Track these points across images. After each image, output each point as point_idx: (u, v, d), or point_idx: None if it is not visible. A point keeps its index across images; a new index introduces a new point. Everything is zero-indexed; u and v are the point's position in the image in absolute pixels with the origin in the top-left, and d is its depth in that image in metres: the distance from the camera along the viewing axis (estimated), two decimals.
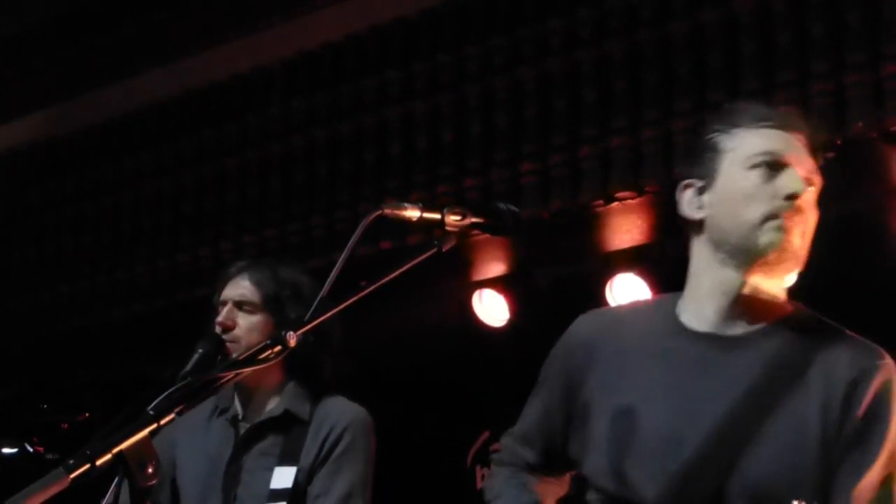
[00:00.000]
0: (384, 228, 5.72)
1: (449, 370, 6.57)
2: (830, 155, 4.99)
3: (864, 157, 5.11)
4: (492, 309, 6.31)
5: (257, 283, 3.95)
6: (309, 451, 3.83)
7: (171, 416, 2.23)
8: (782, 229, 2.65)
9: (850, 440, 2.55)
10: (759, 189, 2.67)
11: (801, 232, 2.67)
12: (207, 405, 3.97)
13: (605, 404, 2.75)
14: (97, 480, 2.16)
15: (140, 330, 7.06)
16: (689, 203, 2.77)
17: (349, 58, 6.49)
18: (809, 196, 2.70)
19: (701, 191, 2.75)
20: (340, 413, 3.90)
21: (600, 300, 5.75)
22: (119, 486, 2.24)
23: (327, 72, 6.55)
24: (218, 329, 3.89)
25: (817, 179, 2.74)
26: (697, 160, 2.77)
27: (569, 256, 6.02)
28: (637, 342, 2.79)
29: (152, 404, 2.24)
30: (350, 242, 2.50)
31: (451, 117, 6.05)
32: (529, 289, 6.20)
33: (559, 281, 6.13)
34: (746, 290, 2.70)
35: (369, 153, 6.29)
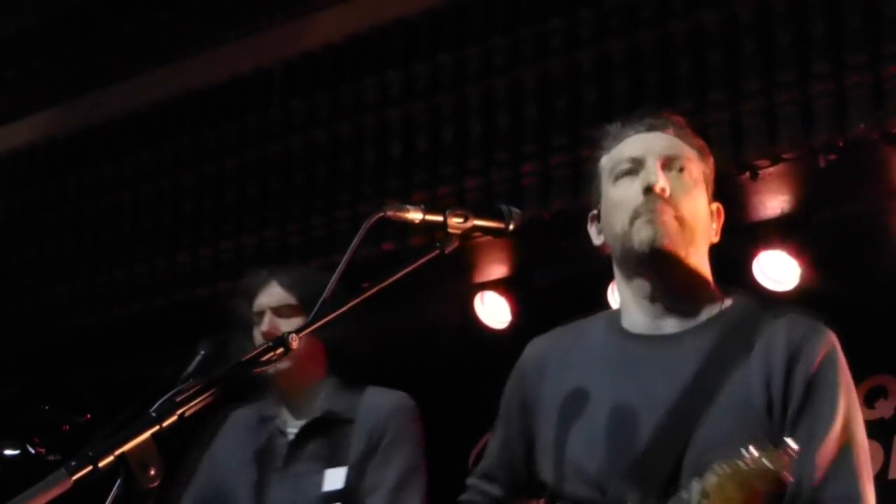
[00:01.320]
0: (386, 230, 5.72)
1: (451, 372, 6.57)
2: (832, 157, 5.04)
3: (866, 159, 5.11)
4: (493, 311, 6.31)
5: (289, 287, 3.96)
6: (356, 448, 3.86)
7: (174, 417, 2.23)
8: (650, 223, 2.72)
9: (799, 410, 2.60)
10: (624, 196, 2.77)
11: (674, 215, 2.72)
12: (251, 418, 3.99)
13: (562, 416, 2.80)
14: (99, 482, 2.16)
15: (140, 330, 7.06)
16: (592, 233, 2.93)
17: (349, 58, 6.49)
18: (679, 178, 2.77)
19: (598, 217, 2.89)
20: (381, 404, 3.93)
21: (602, 301, 5.73)
22: (121, 488, 2.24)
23: (327, 72, 6.55)
24: (262, 339, 3.87)
25: (688, 159, 2.80)
26: (591, 189, 2.92)
27: (570, 257, 6.01)
28: (583, 352, 2.87)
29: (154, 406, 2.24)
30: (352, 244, 2.50)
31: (452, 118, 6.04)
32: (531, 290, 6.20)
33: (561, 282, 6.12)
34: (660, 290, 2.78)
35: (369, 153, 6.28)
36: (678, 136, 2.83)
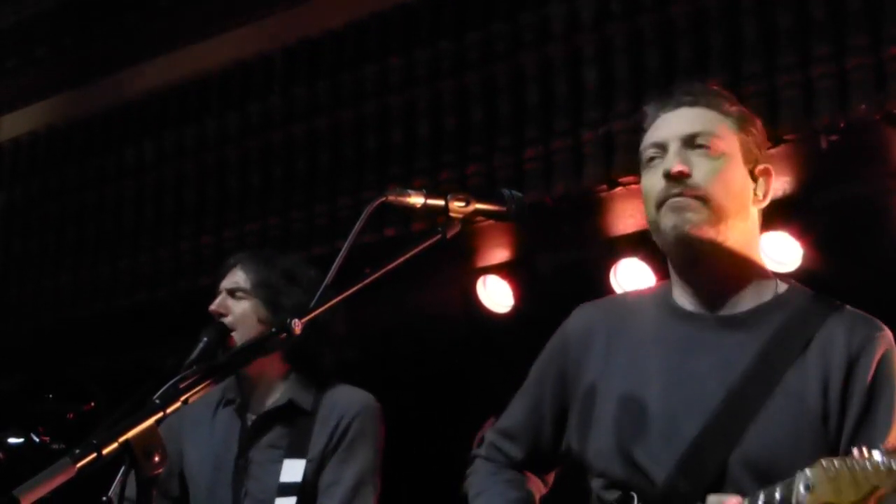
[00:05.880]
0: (388, 215, 5.72)
1: (453, 357, 6.57)
2: (834, 138, 5.04)
3: (867, 140, 5.10)
4: (496, 295, 6.30)
5: (249, 271, 3.99)
6: (317, 442, 3.85)
7: (177, 404, 2.23)
8: (672, 210, 2.69)
9: (857, 415, 2.58)
10: (650, 184, 2.75)
11: (695, 195, 2.68)
12: (213, 396, 4.00)
13: (605, 389, 2.78)
14: (103, 469, 2.16)
15: (143, 319, 7.06)
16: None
17: (350, 45, 6.48)
18: (703, 154, 2.71)
19: None
20: (348, 402, 3.92)
21: (604, 285, 5.74)
22: (126, 475, 2.24)
23: (328, 59, 6.54)
24: (214, 317, 3.92)
25: (715, 132, 2.74)
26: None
27: (572, 242, 6.01)
28: (634, 327, 2.83)
29: (158, 393, 2.24)
30: (354, 230, 2.50)
31: (454, 104, 6.04)
32: (533, 275, 6.20)
33: (563, 266, 6.12)
34: (701, 272, 2.75)
35: (371, 140, 6.28)
36: (709, 106, 2.77)
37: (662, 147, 2.75)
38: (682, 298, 2.79)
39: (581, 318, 2.93)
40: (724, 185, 2.70)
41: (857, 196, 5.34)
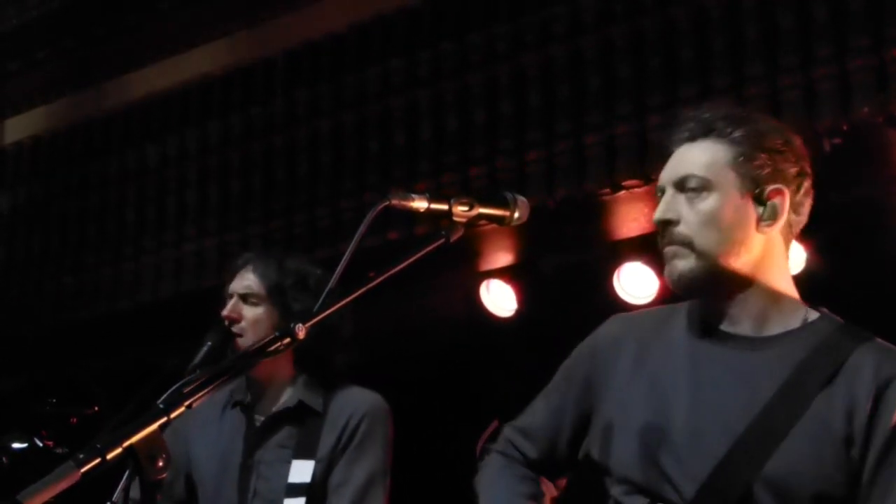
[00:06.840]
0: (391, 219, 5.72)
1: (457, 361, 6.57)
2: (837, 141, 5.03)
3: (870, 142, 5.10)
4: (499, 299, 6.31)
5: (262, 276, 3.94)
6: (326, 443, 3.84)
7: (181, 409, 2.23)
8: (666, 258, 2.73)
9: (880, 450, 2.56)
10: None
11: (682, 243, 2.69)
12: (221, 398, 3.99)
13: (633, 399, 2.77)
14: (107, 474, 2.16)
15: (147, 321, 7.07)
16: None
17: (352, 47, 6.48)
18: (691, 196, 2.71)
19: None
20: (357, 402, 3.91)
21: (607, 289, 5.74)
22: (130, 479, 2.24)
23: (331, 62, 6.54)
24: (225, 321, 3.90)
25: (703, 172, 2.71)
26: None
27: (575, 245, 6.01)
28: (664, 339, 2.82)
29: (162, 397, 2.24)
30: (357, 233, 2.48)
31: (456, 106, 6.04)
32: (536, 278, 6.20)
33: (566, 270, 6.12)
34: (717, 306, 2.75)
35: (374, 143, 6.29)
36: (709, 136, 2.73)
37: (662, 192, 2.77)
38: (715, 319, 2.78)
39: (613, 327, 2.94)
40: (712, 226, 2.69)
41: (860, 199, 5.34)
